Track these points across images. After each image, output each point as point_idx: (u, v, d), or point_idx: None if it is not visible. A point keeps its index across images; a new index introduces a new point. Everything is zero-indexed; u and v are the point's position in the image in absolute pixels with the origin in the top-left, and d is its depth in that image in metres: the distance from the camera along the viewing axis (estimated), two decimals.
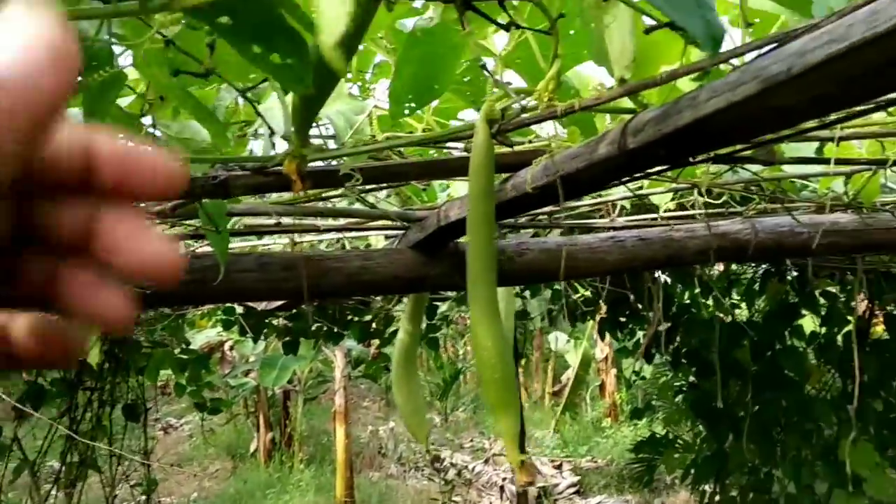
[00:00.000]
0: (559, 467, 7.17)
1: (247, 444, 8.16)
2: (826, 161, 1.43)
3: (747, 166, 1.48)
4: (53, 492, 3.95)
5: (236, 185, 1.09)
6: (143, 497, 4.47)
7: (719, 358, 3.93)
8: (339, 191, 1.44)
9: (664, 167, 1.07)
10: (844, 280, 4.06)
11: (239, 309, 3.87)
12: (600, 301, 4.87)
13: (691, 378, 4.09)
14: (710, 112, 0.69)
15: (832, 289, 4.00)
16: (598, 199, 1.71)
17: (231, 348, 7.83)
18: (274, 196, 1.35)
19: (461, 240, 1.45)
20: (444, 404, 9.37)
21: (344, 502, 5.95)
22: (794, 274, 3.88)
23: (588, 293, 4.84)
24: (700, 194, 1.49)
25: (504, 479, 6.09)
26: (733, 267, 4.34)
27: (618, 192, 1.61)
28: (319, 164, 1.14)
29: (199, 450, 8.51)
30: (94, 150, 0.30)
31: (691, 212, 1.71)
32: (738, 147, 1.07)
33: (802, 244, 1.60)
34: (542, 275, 1.52)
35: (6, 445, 3.63)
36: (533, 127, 1.17)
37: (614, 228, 1.65)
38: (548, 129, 1.25)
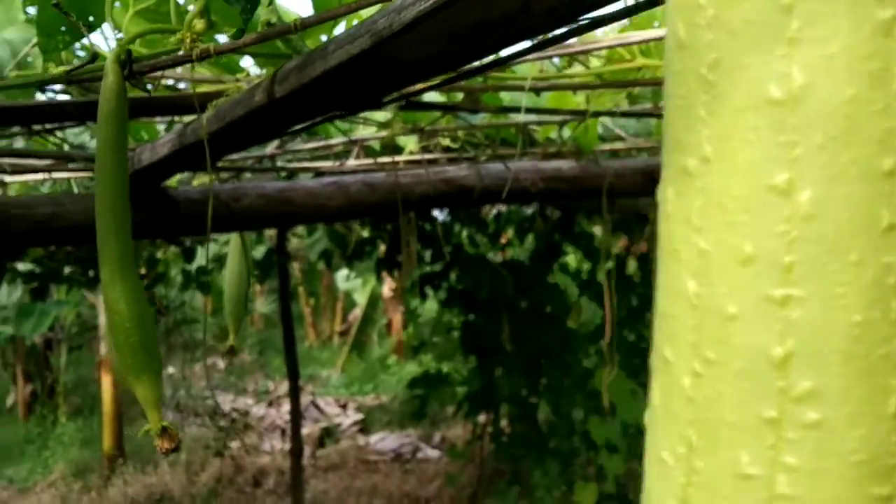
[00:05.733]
0: (344, 406, 7.23)
1: (4, 399, 7.45)
2: (543, 111, 1.47)
3: (468, 115, 1.49)
4: None
5: None
6: None
7: (489, 295, 4.06)
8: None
9: (338, 113, 1.03)
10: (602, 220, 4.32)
11: None
12: (378, 240, 4.87)
13: (471, 315, 4.18)
14: (336, 64, 0.65)
15: (596, 229, 4.25)
16: (322, 143, 1.65)
17: None
18: None
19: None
20: (227, 346, 9.07)
21: (112, 455, 5.60)
22: (558, 214, 4.05)
23: (366, 233, 4.82)
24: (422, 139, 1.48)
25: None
26: (511, 207, 4.47)
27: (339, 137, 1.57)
28: None
29: None
30: None
31: (417, 157, 1.71)
32: (421, 89, 1.04)
33: (525, 189, 1.66)
34: (260, 220, 1.44)
35: None
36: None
37: (342, 173, 1.61)
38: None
